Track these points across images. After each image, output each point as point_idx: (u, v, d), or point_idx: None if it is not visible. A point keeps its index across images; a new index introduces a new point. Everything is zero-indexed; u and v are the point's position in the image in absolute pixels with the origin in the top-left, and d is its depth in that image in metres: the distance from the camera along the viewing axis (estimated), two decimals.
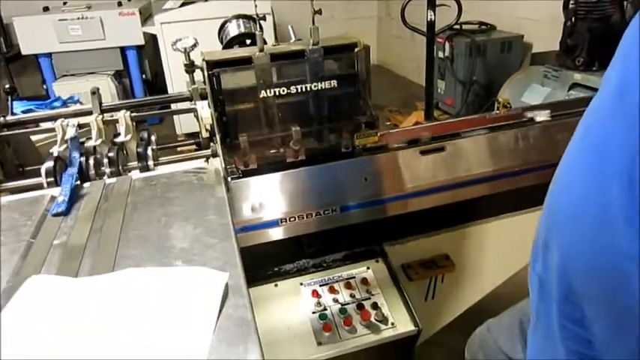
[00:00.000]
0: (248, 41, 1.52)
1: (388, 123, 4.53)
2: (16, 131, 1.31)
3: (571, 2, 3.09)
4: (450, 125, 1.38)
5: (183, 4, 4.31)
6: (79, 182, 1.06)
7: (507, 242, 1.47)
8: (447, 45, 4.17)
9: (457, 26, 3.83)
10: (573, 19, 3.09)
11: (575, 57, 3.12)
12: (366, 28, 6.94)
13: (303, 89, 1.14)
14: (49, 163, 1.11)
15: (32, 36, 4.63)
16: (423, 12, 3.40)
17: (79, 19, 4.62)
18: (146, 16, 4.91)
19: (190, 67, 1.34)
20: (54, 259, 0.80)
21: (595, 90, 2.75)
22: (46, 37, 4.59)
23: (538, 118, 1.41)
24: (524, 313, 1.02)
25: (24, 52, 4.72)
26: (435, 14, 3.38)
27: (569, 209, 0.60)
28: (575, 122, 1.45)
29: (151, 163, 1.18)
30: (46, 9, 4.87)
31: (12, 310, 0.66)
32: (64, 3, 5.20)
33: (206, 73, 1.10)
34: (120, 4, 4.98)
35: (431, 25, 3.40)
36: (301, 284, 1.30)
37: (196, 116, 1.27)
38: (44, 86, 4.82)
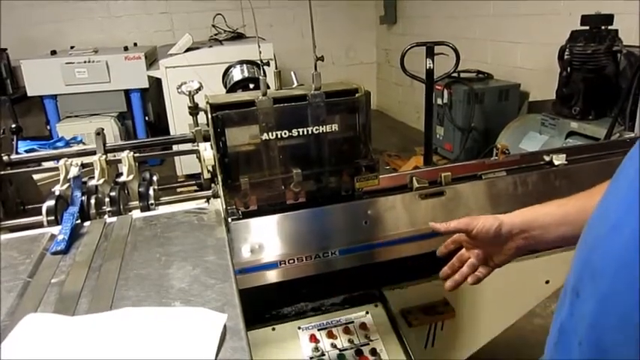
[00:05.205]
0: (251, 85, 1.55)
1: (387, 167, 4.57)
2: (20, 170, 1.32)
3: (566, 53, 3.18)
4: (451, 170, 1.39)
5: (188, 50, 4.42)
6: (79, 221, 1.07)
7: (507, 290, 1.46)
8: (445, 92, 4.26)
9: (455, 74, 3.92)
10: (568, 69, 3.17)
11: (572, 106, 3.18)
12: (365, 74, 7.11)
13: (305, 132, 1.15)
14: (51, 202, 1.11)
15: (39, 78, 4.73)
16: (422, 60, 3.49)
17: (85, 62, 4.73)
18: (151, 61, 5.03)
19: (194, 110, 1.36)
20: (51, 299, 0.79)
21: (591, 138, 2.78)
22: (52, 79, 4.69)
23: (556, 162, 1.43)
24: None
25: (30, 93, 4.81)
26: (433, 62, 3.47)
27: (612, 259, 0.55)
28: (576, 169, 1.45)
29: (152, 202, 1.19)
30: (53, 52, 4.99)
31: (8, 348, 0.65)
32: (72, 47, 5.35)
33: (210, 116, 1.12)
34: (126, 48, 5.12)
35: (430, 72, 3.49)
36: (299, 328, 1.28)
37: (198, 157, 1.29)
38: (47, 127, 4.88)
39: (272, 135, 1.13)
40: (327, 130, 1.17)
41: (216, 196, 1.22)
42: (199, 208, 1.11)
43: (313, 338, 1.25)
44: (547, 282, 1.51)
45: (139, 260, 0.90)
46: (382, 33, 6.89)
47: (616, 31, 3.00)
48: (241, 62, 1.65)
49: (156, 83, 4.81)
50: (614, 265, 0.54)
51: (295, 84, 1.40)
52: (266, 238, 1.21)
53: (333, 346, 1.24)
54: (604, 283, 0.56)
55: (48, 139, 3.74)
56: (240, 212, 1.19)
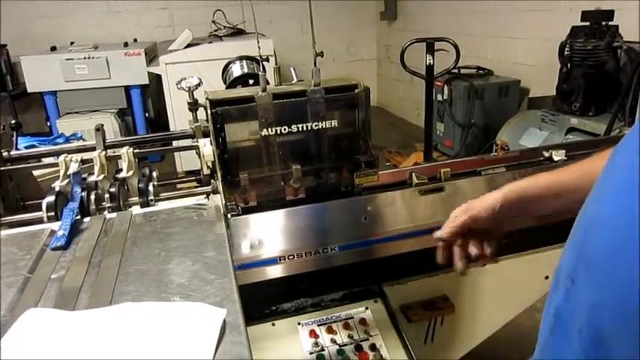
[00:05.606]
0: (251, 81, 1.55)
1: (388, 164, 4.57)
2: (20, 166, 1.32)
3: (566, 49, 3.17)
4: (451, 166, 1.39)
5: (188, 46, 4.41)
6: (79, 217, 1.07)
7: (507, 285, 1.46)
8: (445, 88, 4.26)
9: (455, 70, 3.91)
10: (569, 65, 3.17)
11: (572, 102, 3.18)
12: (366, 70, 7.10)
13: (304, 128, 1.16)
14: (51, 198, 1.11)
15: (39, 74, 4.72)
16: (422, 56, 3.49)
17: (85, 58, 4.72)
18: (151, 57, 5.02)
19: (194, 106, 1.36)
20: (51, 294, 0.80)
21: (591, 134, 2.77)
22: (52, 75, 4.68)
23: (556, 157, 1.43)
24: None
25: (30, 89, 4.80)
26: (433, 58, 3.47)
27: (608, 246, 0.55)
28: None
29: (151, 198, 1.19)
30: (53, 48, 4.98)
31: (8, 342, 0.65)
32: (72, 43, 5.34)
33: (209, 112, 1.12)
34: (126, 44, 5.11)
35: (430, 69, 3.48)
36: (299, 324, 1.28)
37: (198, 153, 1.29)
38: (47, 123, 4.88)
39: (271, 131, 1.14)
40: (327, 126, 1.17)
41: (215, 192, 1.22)
42: (199, 204, 1.11)
43: (313, 334, 1.26)
44: (547, 277, 1.51)
45: (138, 256, 0.90)
46: (382, 29, 6.87)
47: (616, 26, 2.99)
48: (241, 58, 1.65)
49: (156, 79, 4.81)
50: (610, 253, 0.54)
51: (295, 80, 1.40)
52: (265, 234, 1.21)
53: (333, 341, 1.24)
54: (600, 270, 0.55)
55: (48, 135, 3.74)
56: (239, 208, 1.19)
